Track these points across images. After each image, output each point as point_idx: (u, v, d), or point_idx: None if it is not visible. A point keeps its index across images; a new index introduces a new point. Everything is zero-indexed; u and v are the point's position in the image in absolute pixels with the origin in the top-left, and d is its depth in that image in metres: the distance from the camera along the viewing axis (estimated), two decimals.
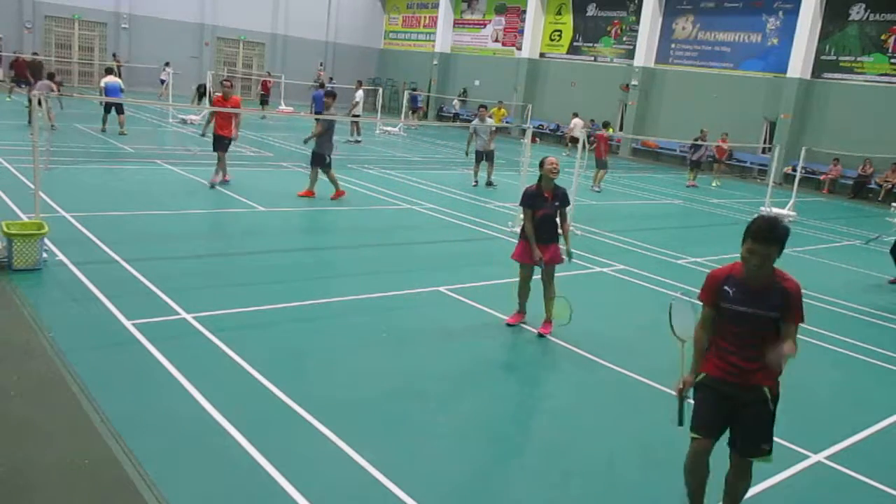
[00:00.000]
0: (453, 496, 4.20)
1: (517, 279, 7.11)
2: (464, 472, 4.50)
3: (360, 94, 23.03)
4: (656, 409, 5.78)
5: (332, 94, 13.27)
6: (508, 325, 7.08)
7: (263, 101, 29.12)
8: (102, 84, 18.79)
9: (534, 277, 7.04)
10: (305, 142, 13.48)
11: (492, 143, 16.62)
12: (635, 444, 5.11)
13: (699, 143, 21.00)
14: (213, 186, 12.80)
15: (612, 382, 6.20)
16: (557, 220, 6.97)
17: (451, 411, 5.30)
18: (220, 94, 13.87)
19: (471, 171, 16.96)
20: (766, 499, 4.53)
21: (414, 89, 33.66)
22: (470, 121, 20.04)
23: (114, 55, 32.30)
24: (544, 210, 6.82)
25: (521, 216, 7.04)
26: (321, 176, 12.87)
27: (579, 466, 4.74)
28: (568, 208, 7.08)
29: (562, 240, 6.99)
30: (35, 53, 28.34)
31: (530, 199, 6.86)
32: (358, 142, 22.73)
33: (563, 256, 6.92)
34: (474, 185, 16.47)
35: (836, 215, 18.72)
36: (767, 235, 3.62)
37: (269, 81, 29.96)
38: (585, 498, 4.41)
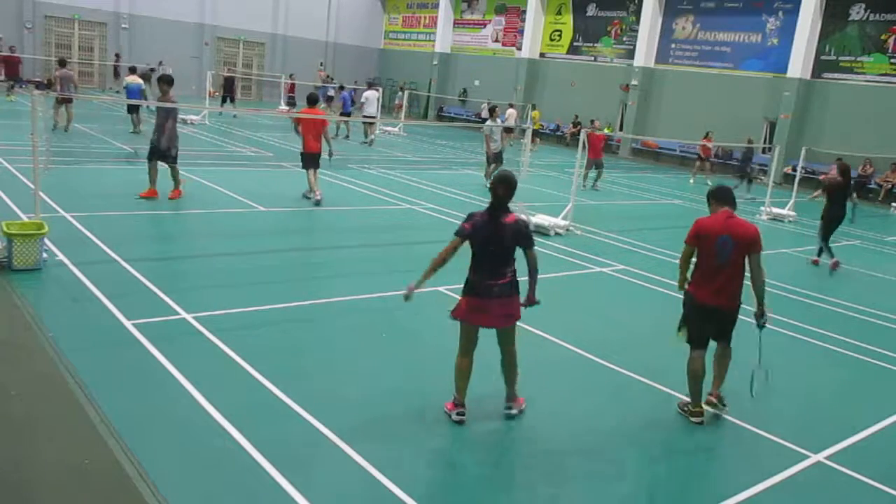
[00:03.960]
0: (453, 496, 4.20)
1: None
2: (464, 472, 4.49)
3: (368, 94, 23.17)
4: (656, 409, 5.78)
5: (166, 80, 11.21)
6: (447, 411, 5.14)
7: (290, 104, 29.17)
8: (125, 84, 18.74)
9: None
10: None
11: (505, 144, 16.56)
12: (635, 444, 5.11)
13: (747, 146, 20.31)
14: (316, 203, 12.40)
15: (611, 382, 6.20)
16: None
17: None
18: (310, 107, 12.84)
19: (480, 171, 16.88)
20: (766, 499, 4.53)
21: (401, 88, 33.67)
22: (470, 121, 19.98)
23: (116, 55, 32.24)
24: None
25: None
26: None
27: (579, 466, 4.74)
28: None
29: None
30: (13, 48, 27.82)
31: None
32: (364, 143, 22.74)
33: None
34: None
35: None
36: (726, 196, 5.61)
37: (295, 84, 30.02)
38: (585, 498, 4.41)
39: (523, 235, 4.91)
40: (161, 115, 11.14)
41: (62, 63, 18.36)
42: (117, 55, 31.52)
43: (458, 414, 5.03)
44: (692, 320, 5.55)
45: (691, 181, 22.15)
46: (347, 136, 23.62)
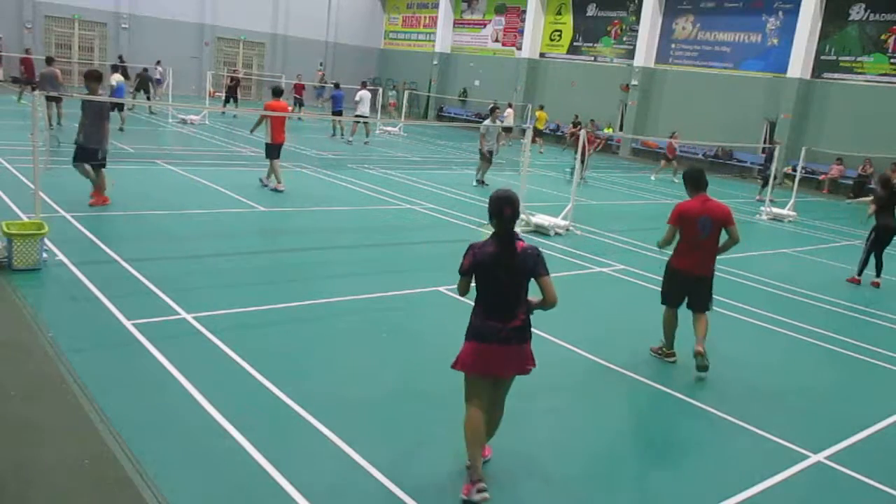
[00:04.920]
0: (453, 496, 4.20)
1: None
2: (463, 472, 4.49)
3: (361, 94, 23.05)
4: (656, 409, 5.78)
5: (93, 76, 10.26)
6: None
7: (298, 104, 29.09)
8: (113, 83, 18.69)
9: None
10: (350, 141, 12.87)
11: (500, 143, 16.57)
12: (635, 444, 5.11)
13: (768, 147, 20.00)
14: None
15: (611, 382, 6.20)
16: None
17: (450, 411, 5.29)
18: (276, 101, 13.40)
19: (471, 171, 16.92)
20: (766, 499, 4.53)
21: (394, 87, 33.62)
22: (470, 121, 19.99)
23: (119, 57, 32.10)
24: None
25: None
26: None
27: (579, 466, 4.74)
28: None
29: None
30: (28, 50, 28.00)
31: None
32: (349, 142, 22.71)
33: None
34: (484, 185, 16.32)
35: (836, 215, 18.72)
36: (701, 182, 6.45)
37: (304, 84, 29.88)
38: (585, 497, 4.41)
39: (537, 263, 4.10)
40: (90, 114, 9.90)
41: (49, 61, 18.25)
42: (120, 57, 31.40)
43: (478, 491, 4.03)
44: (670, 287, 6.63)
45: (653, 178, 22.00)
46: (344, 137, 23.50)
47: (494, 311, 4.13)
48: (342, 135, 23.74)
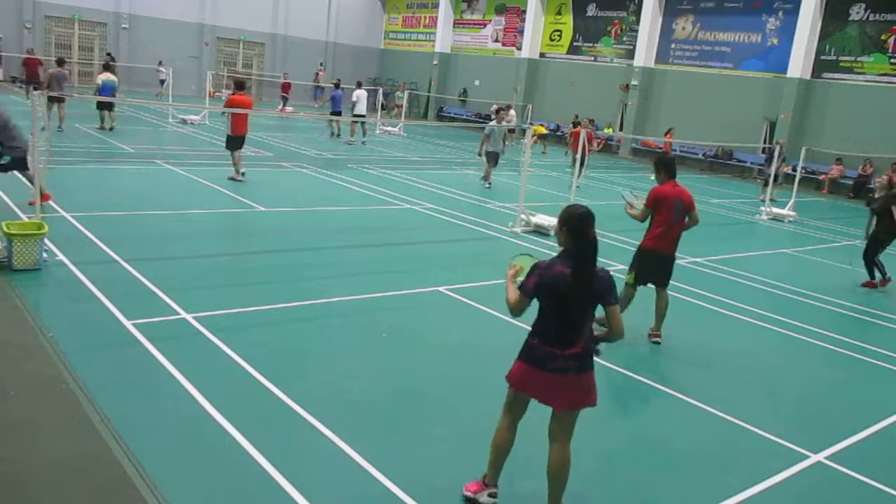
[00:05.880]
0: (453, 496, 4.19)
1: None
2: (463, 471, 4.49)
3: (357, 93, 23.05)
4: (655, 408, 5.78)
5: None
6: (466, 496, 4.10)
7: (283, 101, 29.11)
8: (99, 81, 18.65)
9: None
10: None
11: (502, 145, 16.64)
12: (634, 443, 5.11)
13: (770, 147, 19.85)
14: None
15: (610, 383, 6.20)
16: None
17: (450, 411, 5.30)
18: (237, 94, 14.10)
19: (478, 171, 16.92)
20: (766, 499, 4.53)
21: (393, 86, 33.63)
22: (470, 121, 20.00)
23: (108, 54, 32.06)
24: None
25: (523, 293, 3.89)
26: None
27: (579, 466, 4.73)
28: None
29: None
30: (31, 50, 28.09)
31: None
32: (350, 143, 22.72)
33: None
34: (489, 187, 16.38)
35: (836, 215, 18.72)
36: (672, 169, 7.00)
37: (289, 82, 29.91)
38: (585, 497, 4.41)
39: (610, 290, 3.77)
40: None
41: (60, 62, 18.30)
42: (109, 54, 31.27)
43: (489, 496, 3.97)
44: (643, 267, 7.08)
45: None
46: (342, 137, 23.51)
47: (556, 337, 3.78)
48: (339, 135, 23.73)
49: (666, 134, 22.18)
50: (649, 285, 7.21)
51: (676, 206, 6.88)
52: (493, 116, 17.84)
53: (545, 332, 3.81)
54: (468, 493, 4.03)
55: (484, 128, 16.64)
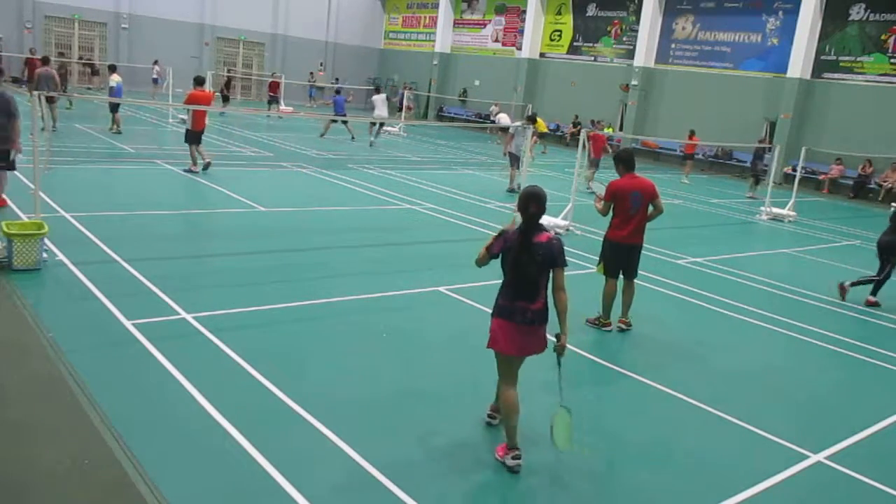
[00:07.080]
0: (453, 496, 4.20)
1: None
2: (463, 471, 4.49)
3: (376, 98, 23.42)
4: (655, 408, 5.78)
5: None
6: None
7: (272, 102, 29.02)
8: (113, 84, 18.57)
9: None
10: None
11: (509, 147, 16.67)
12: (634, 443, 5.11)
13: (761, 146, 20.17)
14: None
15: (611, 382, 6.20)
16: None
17: (450, 411, 5.30)
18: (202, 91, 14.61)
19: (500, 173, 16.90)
20: (766, 499, 4.53)
21: (392, 86, 33.64)
22: (470, 121, 20.01)
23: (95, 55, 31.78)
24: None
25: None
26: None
27: (578, 465, 4.74)
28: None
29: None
30: (33, 50, 28.11)
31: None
32: (371, 143, 22.83)
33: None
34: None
35: (836, 215, 18.73)
36: (631, 163, 7.29)
37: (278, 82, 29.83)
38: (585, 497, 4.41)
39: (559, 252, 4.44)
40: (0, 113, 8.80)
41: (45, 61, 18.03)
42: (90, 59, 31.14)
43: (513, 458, 4.48)
44: (610, 258, 7.39)
45: (685, 181, 22.27)
46: (355, 139, 23.57)
47: (521, 293, 4.49)
48: (353, 137, 23.76)
49: (690, 136, 22.21)
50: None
51: (633, 197, 7.16)
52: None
53: (515, 290, 4.51)
54: (498, 458, 4.58)
55: (487, 126, 16.80)
